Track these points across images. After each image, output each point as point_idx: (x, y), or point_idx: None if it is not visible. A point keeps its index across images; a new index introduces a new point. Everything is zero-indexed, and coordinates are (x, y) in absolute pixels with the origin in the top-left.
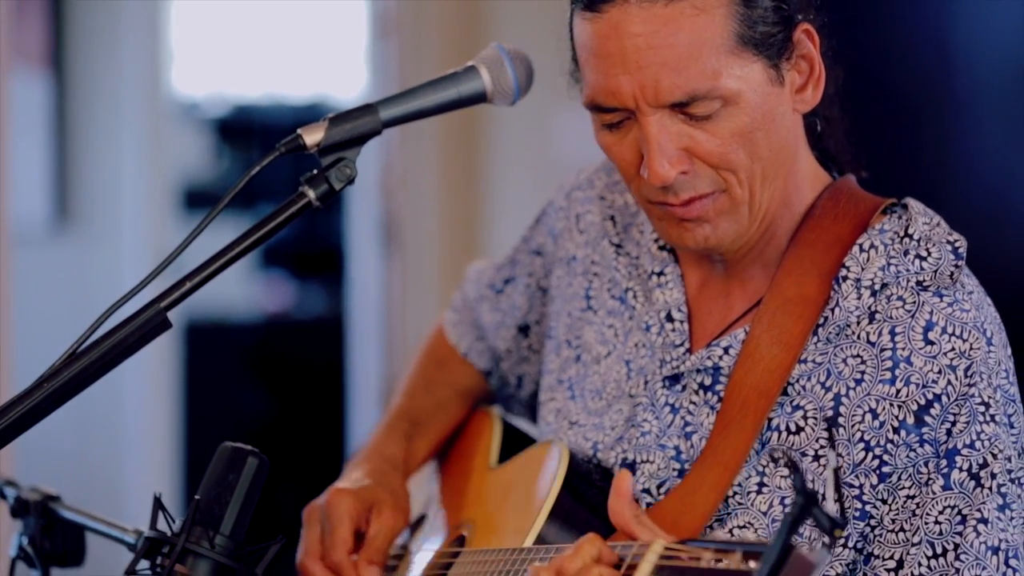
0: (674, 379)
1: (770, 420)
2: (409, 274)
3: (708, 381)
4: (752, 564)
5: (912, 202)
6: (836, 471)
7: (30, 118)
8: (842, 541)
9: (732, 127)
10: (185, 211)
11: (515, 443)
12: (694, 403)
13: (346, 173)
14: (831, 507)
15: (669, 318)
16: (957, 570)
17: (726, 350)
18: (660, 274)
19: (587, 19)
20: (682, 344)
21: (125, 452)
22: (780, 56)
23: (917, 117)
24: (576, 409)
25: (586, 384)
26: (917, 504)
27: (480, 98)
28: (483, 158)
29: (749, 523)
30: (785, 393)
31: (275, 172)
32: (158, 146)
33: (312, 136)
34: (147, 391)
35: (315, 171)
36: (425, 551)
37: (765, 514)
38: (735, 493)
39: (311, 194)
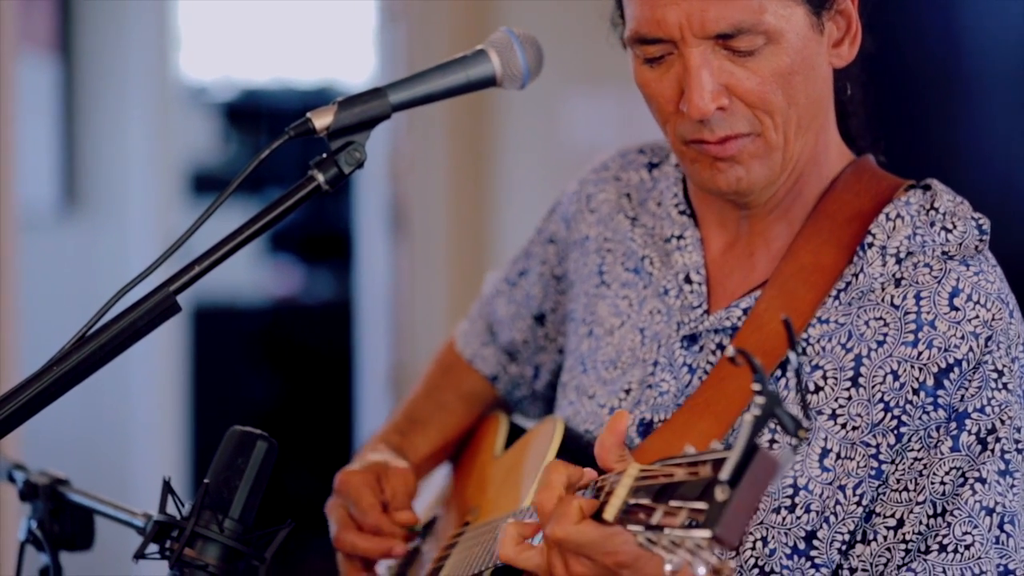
0: (692, 339)
1: (788, 381)
2: (417, 259)
3: (726, 341)
4: (719, 476)
5: (935, 182)
6: (797, 371)
7: (38, 102)
8: (855, 499)
9: (773, 67)
10: (193, 195)
11: (520, 434)
12: (712, 363)
13: (355, 157)
14: (795, 407)
15: (688, 280)
16: (948, 524)
17: (745, 311)
18: (680, 237)
19: None
20: (700, 306)
21: (133, 436)
22: (821, 5)
23: (924, 103)
24: (589, 381)
25: (598, 356)
26: (924, 465)
27: (490, 82)
28: (492, 144)
29: None
30: (804, 353)
31: (283, 156)
32: (166, 130)
33: (321, 120)
34: (155, 375)
35: (324, 155)
36: (435, 545)
37: None
38: None
39: (320, 177)
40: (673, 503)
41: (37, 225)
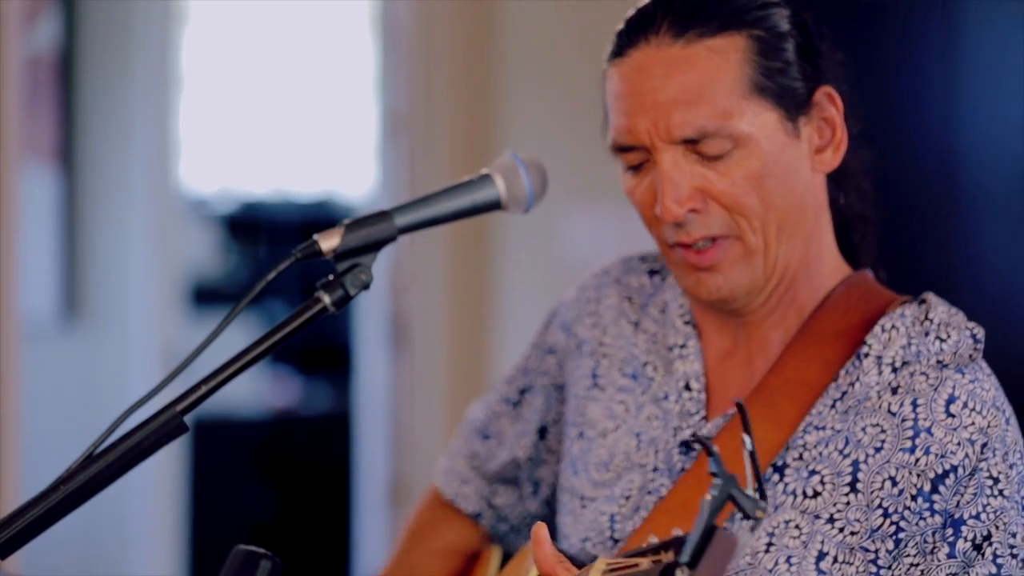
0: (688, 446)
1: (787, 485)
2: (417, 373)
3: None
4: (679, 559)
5: (930, 295)
6: (751, 454)
7: (40, 212)
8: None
9: (744, 170)
10: (193, 308)
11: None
12: None
13: (361, 279)
14: (750, 488)
15: (687, 387)
16: None
17: None
18: (682, 347)
19: (615, 65)
20: (698, 412)
21: (131, 546)
22: (798, 111)
23: (922, 215)
24: (580, 483)
25: (590, 458)
26: (921, 571)
27: (495, 206)
28: (492, 259)
29: None
30: (800, 459)
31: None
32: (167, 242)
33: (328, 242)
34: (154, 486)
35: (331, 276)
36: None
37: (771, 572)
38: (745, 556)
39: (327, 299)
40: None
41: (37, 335)
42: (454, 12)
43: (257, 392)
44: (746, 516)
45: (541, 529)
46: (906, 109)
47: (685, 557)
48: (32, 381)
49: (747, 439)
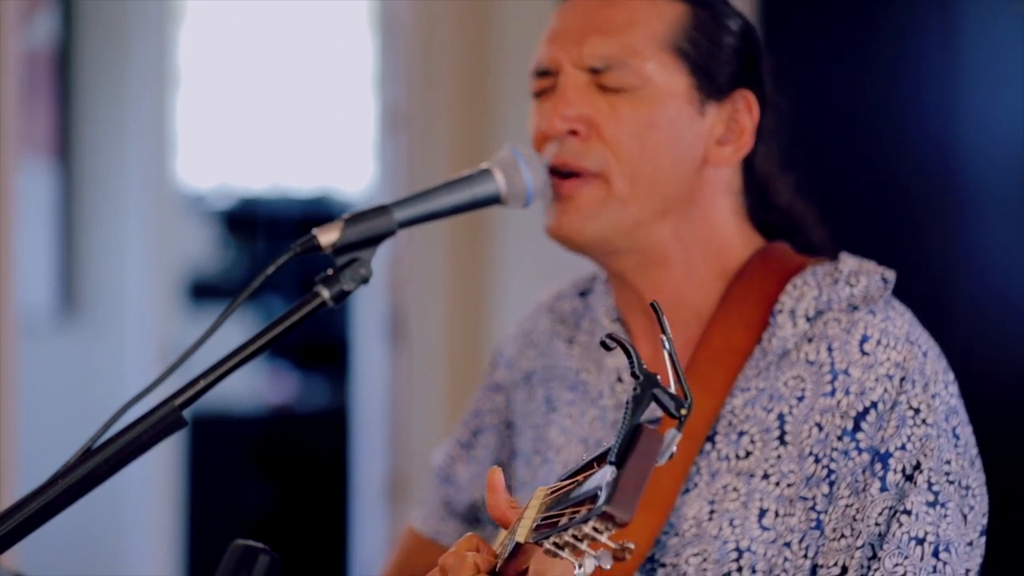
0: None
1: (719, 452)
2: (415, 368)
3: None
4: (608, 460)
5: (844, 253)
6: (670, 353)
7: (37, 207)
8: (802, 553)
9: (635, 112)
10: (190, 303)
11: None
12: None
13: (360, 274)
14: (673, 387)
15: (619, 379)
16: (879, 559)
17: None
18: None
19: (555, 10)
20: None
21: (128, 541)
22: (710, 94)
23: (921, 214)
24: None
25: (551, 478)
26: (857, 510)
27: (494, 200)
28: (490, 254)
29: (705, 550)
30: (729, 424)
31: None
32: (164, 237)
33: (327, 236)
34: (151, 482)
35: (330, 271)
36: None
37: (716, 537)
38: (691, 527)
39: (325, 294)
40: (574, 503)
41: (35, 330)
42: (453, 9)
43: (254, 388)
44: (669, 414)
45: (495, 474)
46: (905, 104)
47: (612, 456)
48: (29, 376)
49: (665, 339)
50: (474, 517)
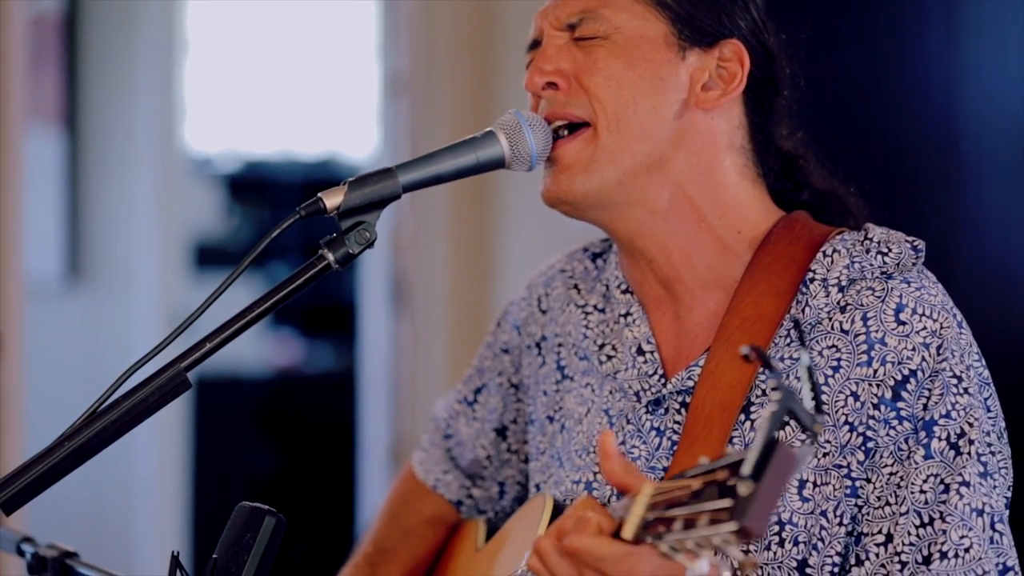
0: (656, 403)
1: (753, 422)
2: (419, 332)
3: (688, 399)
4: (741, 472)
5: (869, 224)
6: (810, 369)
7: (44, 174)
8: (837, 521)
9: (610, 57)
10: (196, 267)
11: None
12: (678, 423)
13: (365, 236)
14: (808, 404)
15: (640, 351)
16: (944, 531)
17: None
18: (626, 315)
19: None
20: (656, 372)
21: (136, 505)
22: (693, 40)
23: (922, 183)
24: (566, 473)
25: (572, 447)
26: (901, 478)
27: (499, 164)
28: (494, 218)
29: None
30: (764, 394)
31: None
32: (170, 202)
33: (332, 199)
34: (158, 445)
35: (335, 234)
36: None
37: None
38: None
39: (331, 256)
40: (694, 508)
41: (42, 295)
42: None
43: (260, 352)
44: (805, 429)
45: (608, 439)
46: (907, 80)
47: (748, 470)
48: (36, 341)
49: (804, 355)
50: (476, 474)
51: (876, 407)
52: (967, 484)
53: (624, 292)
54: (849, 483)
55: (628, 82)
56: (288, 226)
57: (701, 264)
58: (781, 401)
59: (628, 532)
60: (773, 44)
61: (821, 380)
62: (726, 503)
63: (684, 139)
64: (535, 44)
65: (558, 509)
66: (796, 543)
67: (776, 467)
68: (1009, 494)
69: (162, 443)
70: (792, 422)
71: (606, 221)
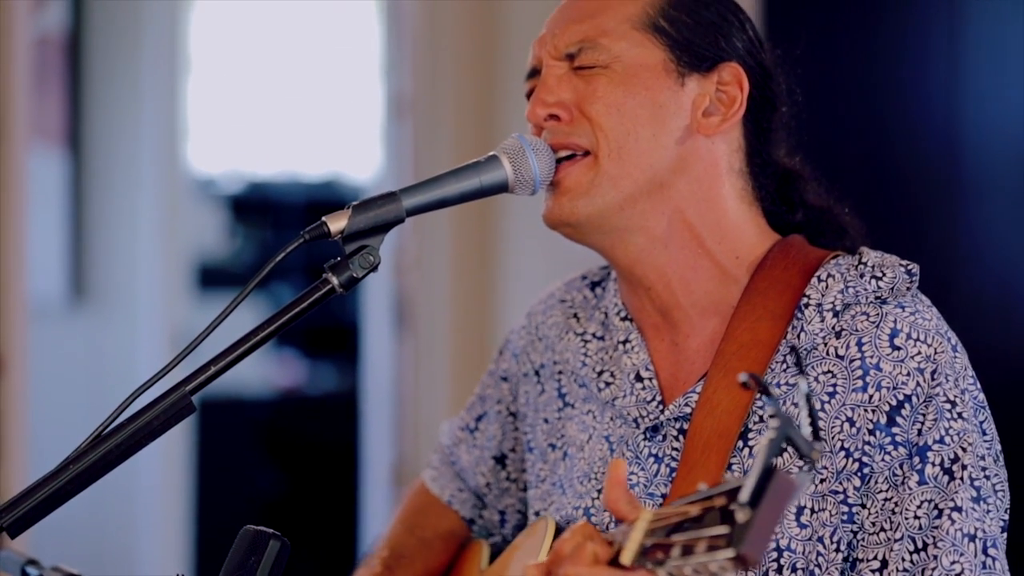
0: (654, 430)
1: (751, 449)
2: (421, 354)
3: (686, 427)
4: (739, 499)
5: (863, 247)
6: (808, 396)
7: (47, 193)
8: (834, 547)
9: (612, 88)
10: (199, 288)
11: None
12: (676, 449)
13: (369, 260)
14: (806, 431)
15: (639, 378)
16: (936, 557)
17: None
18: (625, 342)
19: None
20: (654, 399)
21: (139, 527)
22: (691, 66)
23: (924, 202)
24: (569, 500)
25: (574, 474)
26: (895, 503)
27: (502, 188)
28: (496, 240)
29: None
30: (761, 420)
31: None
32: (173, 223)
33: (336, 223)
34: (160, 466)
35: (339, 258)
36: None
37: None
38: None
39: (335, 280)
40: (692, 535)
41: (45, 316)
42: None
43: (263, 373)
44: (802, 457)
45: (619, 467)
46: (910, 97)
47: (745, 497)
48: (40, 361)
49: (803, 382)
50: (479, 500)
51: (872, 432)
52: (959, 509)
53: (623, 319)
54: (846, 509)
55: (629, 110)
56: (292, 250)
57: (699, 291)
58: (779, 428)
59: (627, 558)
60: (770, 61)
61: (817, 406)
62: (724, 530)
63: (686, 165)
64: (534, 72)
65: (560, 533)
66: (794, 569)
67: (774, 494)
68: (1006, 517)
69: (165, 464)
70: (790, 448)
71: (607, 247)
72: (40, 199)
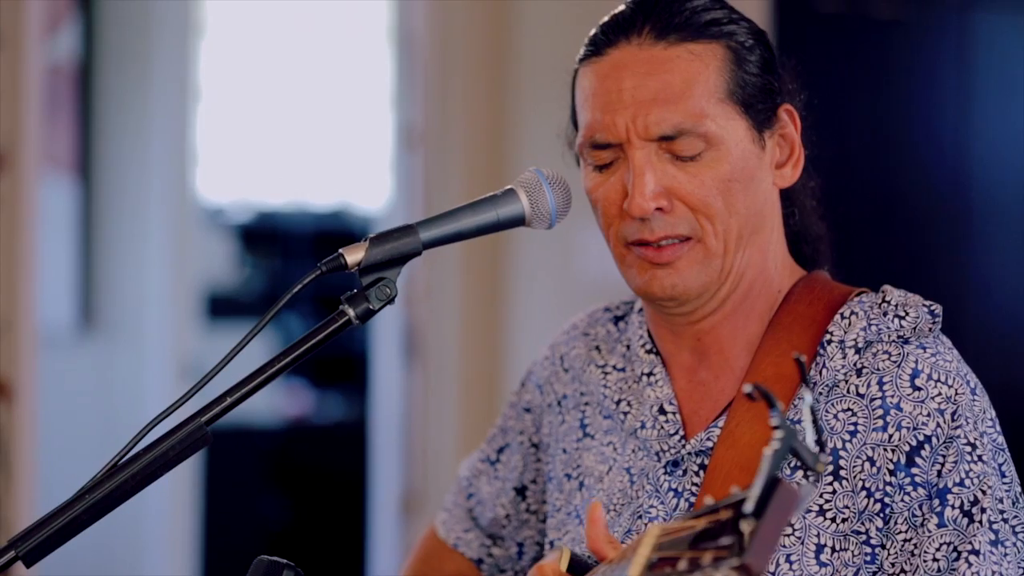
0: (675, 464)
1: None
2: (431, 384)
3: (707, 461)
4: (744, 510)
5: (887, 286)
6: (811, 408)
7: (57, 222)
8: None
9: (713, 173)
10: (208, 318)
11: None
12: (696, 484)
13: (386, 293)
14: (810, 442)
15: (662, 411)
16: None
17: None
18: (649, 375)
19: (591, 64)
20: (677, 432)
21: (147, 556)
22: (763, 124)
23: (933, 242)
24: (583, 531)
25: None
26: (915, 545)
27: (519, 221)
28: (506, 272)
29: None
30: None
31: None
32: (183, 252)
33: (353, 256)
34: (169, 495)
35: (355, 290)
36: None
37: (773, 574)
38: None
39: (351, 312)
40: (698, 548)
41: (54, 344)
42: (470, 26)
43: (271, 402)
44: (807, 468)
45: (597, 509)
46: (919, 125)
47: (749, 507)
48: (48, 390)
49: (807, 393)
50: (496, 533)
51: (892, 472)
52: (977, 552)
53: (648, 352)
54: (868, 550)
55: (732, 194)
56: (309, 282)
57: (743, 338)
58: (783, 440)
59: (634, 572)
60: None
61: (839, 445)
62: (728, 540)
63: (763, 221)
64: (607, 146)
65: (575, 561)
66: None
67: (778, 504)
68: None
69: (173, 493)
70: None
71: (692, 309)
72: (50, 227)
